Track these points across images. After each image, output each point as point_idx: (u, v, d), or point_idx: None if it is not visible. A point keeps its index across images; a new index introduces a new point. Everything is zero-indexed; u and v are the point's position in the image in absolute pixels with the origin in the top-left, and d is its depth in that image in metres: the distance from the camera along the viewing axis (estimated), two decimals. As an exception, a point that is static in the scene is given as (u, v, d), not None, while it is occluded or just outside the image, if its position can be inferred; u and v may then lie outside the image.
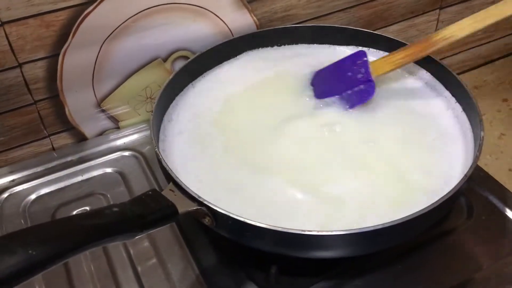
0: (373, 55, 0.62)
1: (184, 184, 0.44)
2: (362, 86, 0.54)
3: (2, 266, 0.32)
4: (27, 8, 0.52)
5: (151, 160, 0.61)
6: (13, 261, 0.33)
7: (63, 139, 0.63)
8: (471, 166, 0.45)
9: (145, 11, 0.58)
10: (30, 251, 0.33)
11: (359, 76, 0.54)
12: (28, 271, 0.33)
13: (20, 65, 0.55)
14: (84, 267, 0.51)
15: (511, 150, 0.76)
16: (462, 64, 0.90)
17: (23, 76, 0.56)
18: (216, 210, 0.42)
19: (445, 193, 0.43)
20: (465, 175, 0.44)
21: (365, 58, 0.55)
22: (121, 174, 0.60)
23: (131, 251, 0.52)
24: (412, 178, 0.49)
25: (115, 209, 0.39)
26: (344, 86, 0.55)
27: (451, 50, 0.87)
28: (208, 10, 0.62)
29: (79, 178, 0.60)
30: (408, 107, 0.56)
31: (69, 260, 0.49)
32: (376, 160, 0.50)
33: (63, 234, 0.36)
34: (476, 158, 0.46)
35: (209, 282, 0.48)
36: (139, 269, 0.50)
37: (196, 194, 0.43)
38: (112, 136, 0.64)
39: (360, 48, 0.63)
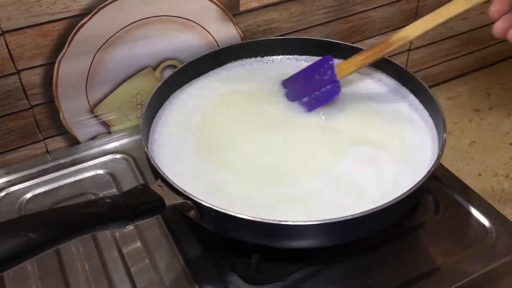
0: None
1: (171, 180, 0.48)
2: (328, 87, 0.59)
3: (5, 247, 0.35)
4: (27, 18, 0.56)
5: (141, 163, 0.64)
6: (15, 242, 0.36)
7: (57, 143, 0.67)
8: (433, 164, 0.49)
9: (137, 22, 0.62)
10: (30, 234, 0.36)
11: (326, 78, 0.59)
12: (28, 252, 0.36)
13: (18, 72, 0.59)
14: (77, 261, 0.54)
15: (481, 156, 0.81)
16: (437, 76, 0.96)
17: (21, 82, 0.60)
18: (200, 203, 0.46)
19: (411, 187, 0.47)
20: (428, 172, 0.48)
21: (331, 62, 0.60)
22: (112, 175, 0.63)
23: (122, 247, 0.55)
24: (384, 175, 0.53)
25: (108, 200, 0.42)
26: (313, 87, 0.60)
27: (426, 63, 0.92)
28: (196, 23, 0.66)
29: (72, 179, 0.63)
30: (380, 113, 0.61)
31: (63, 258, 0.53)
32: (351, 157, 0.55)
33: (61, 220, 0.39)
34: (439, 157, 0.50)
35: (194, 273, 0.51)
36: (128, 261, 0.53)
37: (182, 188, 0.47)
38: (103, 140, 0.68)
39: (335, 60, 0.68)
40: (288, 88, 0.63)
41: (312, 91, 0.60)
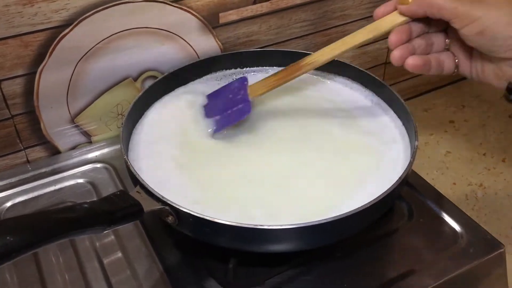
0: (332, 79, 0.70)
1: (149, 186, 0.48)
2: (240, 106, 0.59)
3: (-17, 250, 0.36)
4: (8, 29, 0.57)
5: (121, 172, 0.65)
6: (-9, 245, 0.36)
7: (37, 152, 0.67)
8: (405, 170, 0.51)
9: (118, 34, 0.63)
10: (8, 237, 0.37)
11: (238, 97, 0.60)
12: (6, 255, 0.37)
13: (-1, 82, 0.60)
14: (56, 271, 0.54)
15: (456, 166, 0.83)
16: (414, 89, 0.98)
17: (1, 92, 0.60)
18: (178, 209, 0.47)
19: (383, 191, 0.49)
20: (400, 177, 0.50)
21: (245, 83, 0.61)
22: (92, 184, 0.64)
23: (102, 255, 0.55)
24: (358, 182, 0.54)
25: (86, 205, 0.43)
26: (226, 106, 0.60)
27: (403, 75, 0.95)
28: (176, 35, 0.67)
29: (52, 188, 0.63)
30: (355, 122, 0.63)
31: (43, 268, 0.53)
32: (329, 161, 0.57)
33: (38, 224, 0.39)
34: (410, 163, 0.52)
35: (172, 279, 0.52)
36: (107, 268, 0.54)
37: (160, 194, 0.48)
38: (84, 150, 0.68)
39: (314, 71, 0.70)
40: (207, 105, 0.63)
41: (225, 110, 0.60)
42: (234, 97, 0.60)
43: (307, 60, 0.58)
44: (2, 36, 0.57)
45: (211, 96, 0.64)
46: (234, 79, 0.62)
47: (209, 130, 0.60)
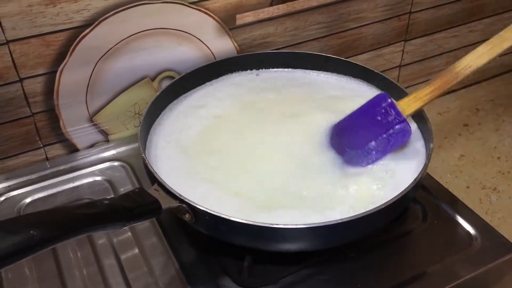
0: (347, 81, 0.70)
1: (167, 184, 0.49)
2: (397, 127, 0.52)
3: (7, 243, 0.37)
4: (31, 28, 0.58)
5: (138, 170, 0.66)
6: (16, 239, 0.37)
7: (56, 150, 0.68)
8: (420, 172, 0.51)
9: (136, 34, 0.64)
10: (32, 231, 0.38)
11: (391, 118, 0.53)
12: (29, 248, 0.38)
13: (21, 80, 0.61)
14: (74, 267, 0.55)
15: (469, 169, 0.83)
16: (428, 92, 0.98)
17: (23, 90, 0.62)
18: (195, 207, 0.48)
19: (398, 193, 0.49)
20: (415, 179, 0.50)
21: (389, 100, 0.53)
22: (109, 182, 0.65)
23: (119, 253, 0.56)
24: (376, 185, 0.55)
25: (106, 201, 0.44)
26: (377, 131, 0.53)
27: (417, 79, 0.95)
28: (193, 35, 0.68)
29: (70, 185, 0.64)
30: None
31: (61, 263, 0.55)
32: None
33: (61, 219, 0.40)
34: (425, 165, 0.52)
35: (188, 276, 0.53)
36: (124, 264, 0.55)
37: (177, 192, 0.49)
38: (102, 148, 0.70)
39: (328, 73, 0.70)
40: (339, 139, 0.56)
41: (378, 135, 0.53)
42: (385, 118, 0.52)
43: (463, 64, 0.51)
44: (25, 35, 0.58)
45: (343, 125, 0.56)
46: (372, 98, 0.54)
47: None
